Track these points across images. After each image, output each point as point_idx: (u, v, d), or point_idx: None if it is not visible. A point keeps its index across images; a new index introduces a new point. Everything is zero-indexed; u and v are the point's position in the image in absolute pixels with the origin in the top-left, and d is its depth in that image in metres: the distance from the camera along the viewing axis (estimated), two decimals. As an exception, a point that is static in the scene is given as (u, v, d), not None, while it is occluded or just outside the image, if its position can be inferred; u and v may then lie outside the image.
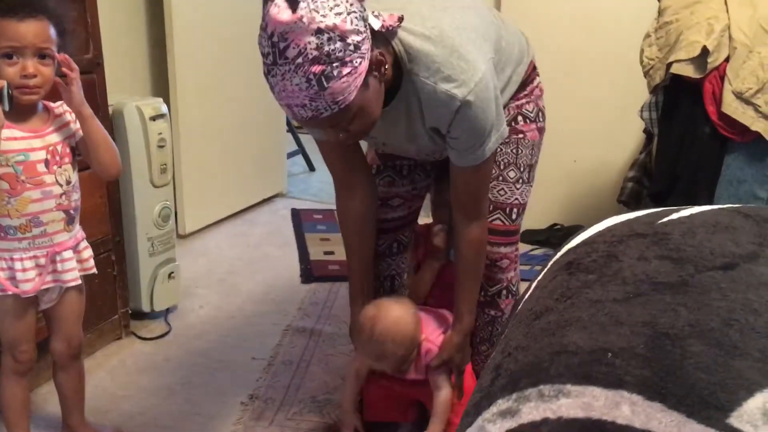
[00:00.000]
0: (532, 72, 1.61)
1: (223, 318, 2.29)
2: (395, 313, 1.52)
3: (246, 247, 2.89)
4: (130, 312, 2.15)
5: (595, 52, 2.72)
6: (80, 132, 1.46)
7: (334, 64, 1.12)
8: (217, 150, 3.01)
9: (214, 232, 3.02)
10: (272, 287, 2.52)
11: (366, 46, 1.16)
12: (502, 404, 0.74)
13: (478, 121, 1.32)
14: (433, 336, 1.59)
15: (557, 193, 2.94)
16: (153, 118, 2.07)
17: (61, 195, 1.43)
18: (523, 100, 1.59)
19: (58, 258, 1.45)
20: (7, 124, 1.33)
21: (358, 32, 1.13)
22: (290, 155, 3.79)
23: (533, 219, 2.71)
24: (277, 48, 1.11)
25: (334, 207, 3.16)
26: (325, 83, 1.12)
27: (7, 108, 1.30)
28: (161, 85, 2.75)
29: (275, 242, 2.94)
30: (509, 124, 1.54)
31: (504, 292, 1.65)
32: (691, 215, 1.03)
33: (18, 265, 1.40)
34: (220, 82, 2.95)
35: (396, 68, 1.30)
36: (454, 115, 1.30)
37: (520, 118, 1.59)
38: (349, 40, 1.12)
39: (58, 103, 1.45)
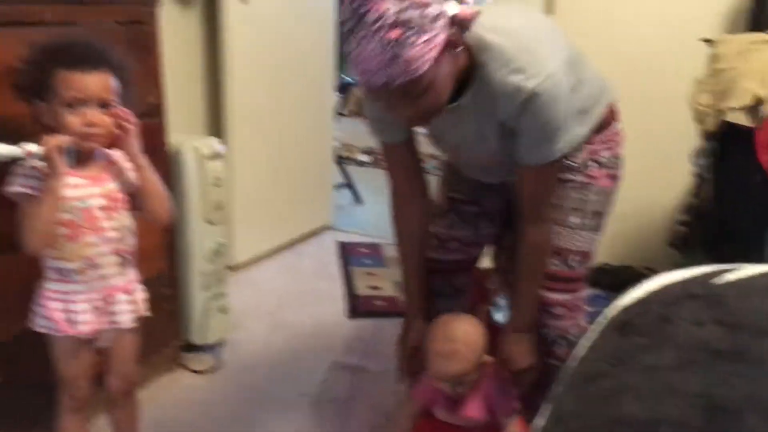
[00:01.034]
0: (611, 115, 1.58)
1: (272, 352, 2.33)
2: (469, 320, 1.57)
3: (294, 280, 2.94)
4: (182, 345, 2.21)
5: (648, 92, 2.72)
6: (136, 180, 1.52)
7: (412, 31, 1.14)
8: (268, 183, 3.08)
9: (264, 263, 3.08)
10: (318, 322, 2.56)
11: (443, 21, 1.18)
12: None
13: (546, 115, 1.32)
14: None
15: (605, 231, 2.92)
16: (210, 158, 2.13)
17: (117, 240, 1.48)
18: (599, 146, 1.55)
19: (113, 300, 1.50)
20: (69, 172, 1.40)
21: (437, 4, 1.17)
22: (338, 187, 3.84)
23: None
24: (358, 13, 1.15)
25: (380, 241, 3.23)
26: (400, 49, 1.14)
27: (71, 163, 1.38)
28: (216, 125, 2.83)
29: (322, 275, 2.98)
30: (580, 170, 1.53)
31: (559, 340, 1.62)
32: (747, 277, 1.03)
33: (76, 307, 1.45)
34: (271, 118, 3.03)
35: (468, 61, 1.32)
36: (523, 107, 1.31)
37: (591, 163, 1.55)
38: (427, 11, 1.15)
39: (116, 151, 1.51)
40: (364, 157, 5.02)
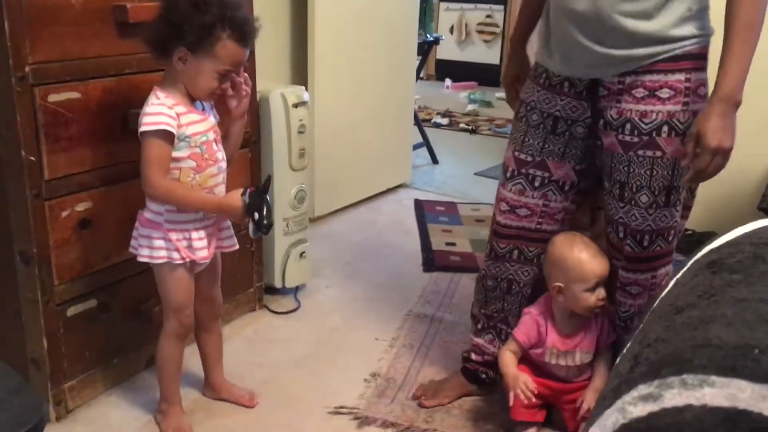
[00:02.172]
0: (704, 58, 1.47)
1: (348, 299, 2.39)
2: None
3: (371, 233, 2.98)
4: (264, 287, 2.29)
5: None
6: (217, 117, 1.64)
7: None
8: (348, 139, 3.12)
9: (341, 217, 3.14)
10: (395, 274, 2.60)
11: None
12: (643, 389, 0.76)
13: None
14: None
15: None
16: (295, 105, 2.19)
17: (225, 169, 1.60)
18: (679, 106, 1.45)
19: (221, 225, 1.62)
20: (188, 109, 1.51)
21: None
22: (415, 147, 3.86)
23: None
24: None
25: (455, 200, 3.24)
26: None
27: (257, 233, 1.52)
28: (301, 74, 2.88)
29: (398, 231, 3.02)
30: (650, 135, 1.47)
31: (637, 318, 1.61)
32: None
33: (194, 235, 1.55)
34: (355, 74, 3.07)
35: None
36: None
37: (666, 129, 1.46)
38: None
39: None
40: (441, 119, 5.02)
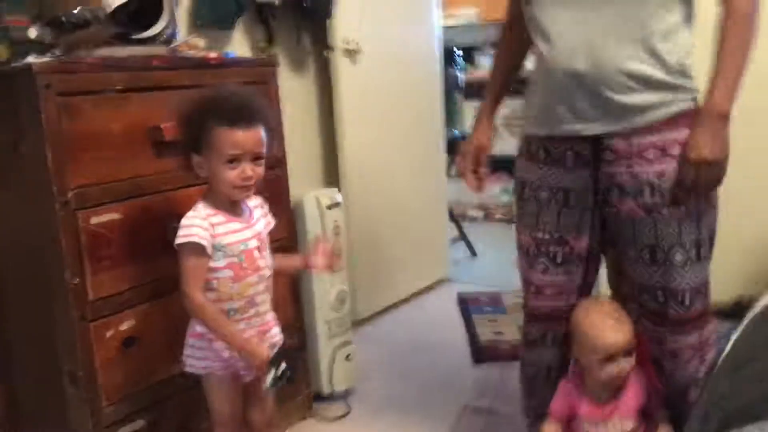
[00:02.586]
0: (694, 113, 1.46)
1: (400, 399, 2.33)
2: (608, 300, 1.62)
3: (416, 331, 2.94)
4: (312, 394, 2.24)
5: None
6: (271, 224, 1.65)
7: None
8: (384, 239, 3.13)
9: (385, 317, 3.11)
10: (444, 369, 2.53)
11: None
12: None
13: None
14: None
15: (743, 262, 2.75)
16: (329, 207, 2.22)
17: (268, 277, 1.59)
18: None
19: (267, 335, 1.59)
20: (228, 218, 1.52)
21: None
22: (452, 242, 3.86)
23: (717, 291, 2.55)
24: None
25: (499, 290, 3.20)
26: None
27: (274, 385, 1.48)
28: (332, 177, 2.94)
29: (443, 325, 2.97)
30: (671, 192, 1.45)
31: (692, 384, 1.54)
32: None
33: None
34: (385, 174, 3.12)
35: None
36: None
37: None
38: None
39: (257, 197, 1.62)
40: (476, 213, 5.03)
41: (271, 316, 1.62)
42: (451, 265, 3.69)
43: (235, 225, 1.53)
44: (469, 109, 6.76)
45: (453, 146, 4.27)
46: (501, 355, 2.59)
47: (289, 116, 2.34)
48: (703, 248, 1.50)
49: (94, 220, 1.57)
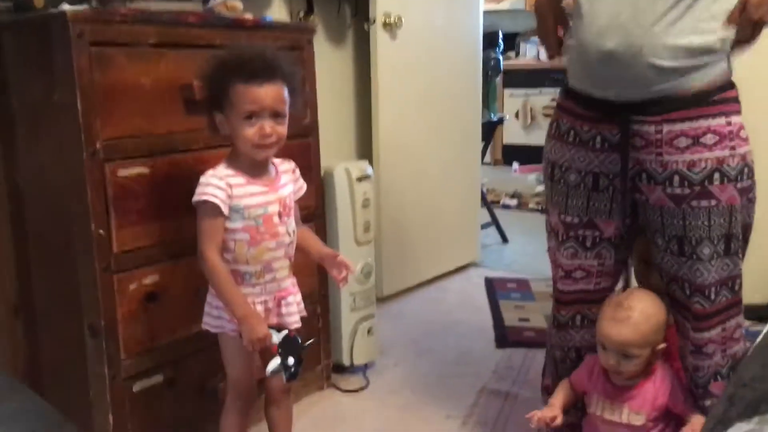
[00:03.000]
0: (730, 91, 1.42)
1: (418, 376, 2.31)
2: (651, 296, 1.52)
3: (440, 312, 2.91)
4: (331, 365, 2.24)
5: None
6: (302, 190, 1.61)
7: None
8: (414, 217, 3.11)
9: (409, 296, 3.08)
10: (466, 350, 2.51)
11: None
12: (742, 427, 0.68)
13: None
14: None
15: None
16: (359, 179, 2.20)
17: (288, 244, 1.55)
18: (726, 151, 1.39)
19: (283, 302, 1.55)
20: (248, 180, 1.48)
21: None
22: (483, 227, 3.82)
23: (751, 292, 2.47)
24: None
25: (528, 277, 3.15)
26: None
27: (285, 379, 1.44)
28: (366, 150, 2.92)
29: (469, 308, 2.94)
30: (701, 184, 1.40)
31: (712, 379, 1.51)
32: None
33: None
34: (419, 152, 3.09)
35: None
36: None
37: (717, 176, 1.39)
38: None
39: (280, 160, 1.58)
40: (510, 201, 4.98)
41: (290, 282, 1.58)
42: (481, 250, 3.65)
43: (255, 188, 1.49)
44: (509, 99, 6.70)
45: (489, 131, 4.22)
46: (525, 340, 2.56)
47: (325, 87, 2.33)
48: (733, 243, 1.44)
49: (122, 172, 1.57)
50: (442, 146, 3.23)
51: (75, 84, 1.48)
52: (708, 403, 1.51)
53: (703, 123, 1.40)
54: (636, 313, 1.47)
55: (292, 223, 1.57)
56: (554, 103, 1.67)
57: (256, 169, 1.50)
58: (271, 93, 1.43)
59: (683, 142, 1.40)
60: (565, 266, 1.62)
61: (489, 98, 3.95)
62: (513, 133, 6.58)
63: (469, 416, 2.03)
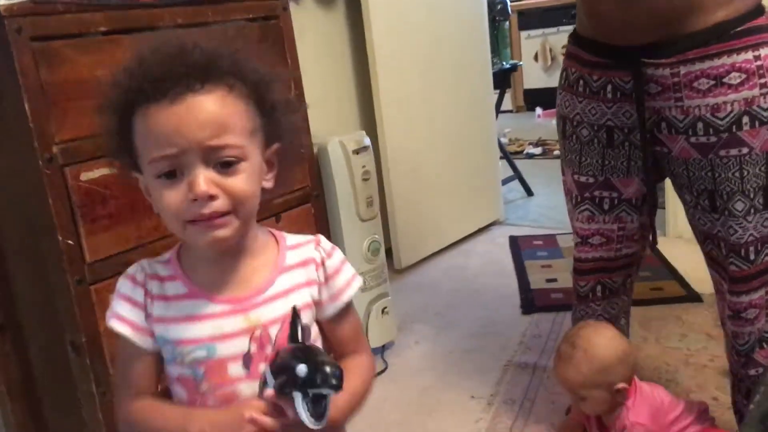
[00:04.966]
0: (757, 19, 1.22)
1: (441, 354, 2.18)
2: (607, 332, 1.40)
3: (463, 279, 2.77)
4: (346, 349, 2.12)
5: None
6: (344, 295, 0.95)
7: None
8: (428, 182, 2.94)
9: (430, 265, 2.94)
10: (491, 320, 2.37)
11: None
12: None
13: None
14: (641, 408, 1.37)
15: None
16: (356, 152, 2.04)
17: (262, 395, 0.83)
18: (756, 90, 1.21)
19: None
20: (196, 289, 0.86)
21: None
22: (505, 182, 3.64)
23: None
24: None
25: (554, 232, 2.98)
26: None
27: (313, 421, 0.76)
28: (370, 120, 2.75)
29: (493, 272, 2.79)
30: (729, 130, 1.22)
31: (757, 345, 1.35)
32: None
33: None
34: (426, 112, 2.91)
35: None
36: None
37: (747, 120, 1.22)
38: None
39: (297, 238, 0.96)
40: (534, 149, 4.77)
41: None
42: (505, 207, 3.48)
43: (203, 308, 0.85)
44: (526, 41, 6.40)
45: (502, 80, 4.00)
46: (552, 304, 2.40)
47: (319, 56, 2.16)
48: None
49: (84, 176, 1.44)
50: (451, 102, 3.04)
51: (20, 86, 1.34)
52: (753, 372, 1.36)
53: (726, 60, 1.22)
54: (580, 353, 1.35)
55: (269, 373, 0.82)
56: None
57: (218, 266, 0.86)
58: (196, 115, 0.77)
59: (704, 83, 1.23)
60: (581, 231, 1.49)
61: (499, 44, 3.72)
62: (533, 77, 6.30)
63: (494, 396, 1.90)
